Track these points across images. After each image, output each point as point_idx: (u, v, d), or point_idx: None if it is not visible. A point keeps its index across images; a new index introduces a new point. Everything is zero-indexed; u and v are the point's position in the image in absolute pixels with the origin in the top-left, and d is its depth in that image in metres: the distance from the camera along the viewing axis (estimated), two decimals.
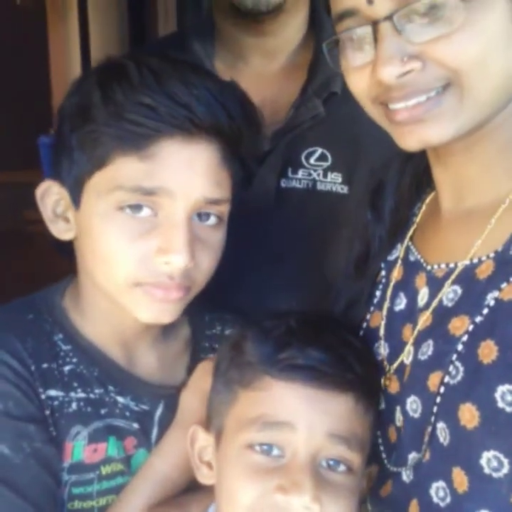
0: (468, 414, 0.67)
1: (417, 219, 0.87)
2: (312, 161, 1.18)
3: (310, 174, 1.18)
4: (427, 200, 0.88)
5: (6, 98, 5.86)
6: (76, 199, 0.86)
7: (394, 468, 0.79)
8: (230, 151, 0.85)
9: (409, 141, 0.71)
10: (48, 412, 0.84)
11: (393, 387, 0.80)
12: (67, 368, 0.88)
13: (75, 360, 0.89)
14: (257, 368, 0.78)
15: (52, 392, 0.86)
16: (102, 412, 0.88)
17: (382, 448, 0.82)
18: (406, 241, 0.86)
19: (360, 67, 0.72)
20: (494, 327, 0.68)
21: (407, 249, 0.85)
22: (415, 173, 0.88)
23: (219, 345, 0.93)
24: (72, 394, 0.87)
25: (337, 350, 0.78)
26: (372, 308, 0.88)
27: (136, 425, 0.90)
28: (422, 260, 0.81)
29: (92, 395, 0.88)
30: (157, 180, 0.80)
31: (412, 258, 0.84)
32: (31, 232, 5.19)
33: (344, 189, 1.18)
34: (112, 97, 0.80)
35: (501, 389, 0.65)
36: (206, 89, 0.81)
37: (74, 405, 0.87)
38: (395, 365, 0.80)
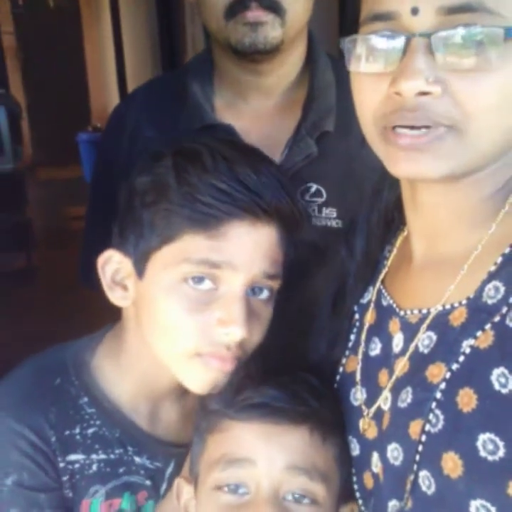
0: (452, 463, 0.67)
1: (388, 262, 0.87)
2: (307, 197, 1.21)
3: (306, 210, 1.20)
4: (397, 244, 0.87)
5: (46, 97, 6.01)
6: (140, 270, 0.89)
7: None
8: (287, 234, 0.91)
9: (404, 168, 0.69)
10: (66, 477, 0.91)
11: (371, 432, 0.80)
12: (90, 431, 0.93)
13: (98, 422, 0.94)
14: (219, 413, 0.84)
15: (73, 457, 0.92)
16: (120, 471, 0.95)
17: (358, 494, 0.83)
18: (377, 284, 0.86)
19: (376, 75, 0.69)
20: (472, 375, 0.68)
21: (379, 293, 0.85)
22: (384, 210, 0.88)
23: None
24: (93, 456, 0.93)
25: (290, 386, 0.82)
26: (347, 353, 0.88)
27: (148, 482, 0.96)
28: (394, 305, 0.81)
29: (112, 456, 0.94)
30: (224, 255, 0.85)
31: (384, 302, 0.84)
32: (75, 228, 5.32)
33: (339, 224, 1.21)
34: (186, 179, 0.85)
35: (482, 438, 0.65)
36: (273, 177, 0.87)
37: (94, 467, 0.93)
38: (373, 410, 0.80)
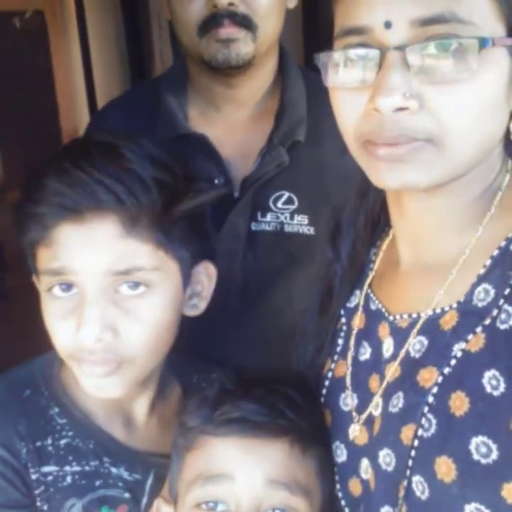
0: (445, 468, 0.67)
1: (375, 266, 0.86)
2: (279, 204, 1.25)
3: (278, 217, 1.24)
4: (384, 247, 0.87)
5: (15, 119, 5.97)
6: (32, 266, 0.92)
7: None
8: (138, 222, 0.85)
9: (386, 179, 0.69)
10: (41, 489, 0.89)
11: (361, 438, 0.79)
12: (63, 442, 0.92)
13: (70, 433, 0.92)
14: (197, 429, 0.81)
15: (47, 469, 0.90)
16: (97, 483, 0.92)
17: (343, 502, 0.81)
18: (365, 288, 0.85)
19: (354, 89, 0.68)
20: (463, 379, 0.68)
21: (367, 297, 0.84)
22: (371, 211, 0.87)
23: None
24: (67, 468, 0.91)
25: (268, 399, 0.80)
26: (336, 357, 0.87)
27: (127, 494, 0.93)
28: (383, 310, 0.81)
29: (87, 468, 0.92)
30: (60, 261, 0.85)
31: (373, 307, 0.83)
32: None
33: (310, 230, 1.25)
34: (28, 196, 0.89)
35: (475, 441, 0.65)
36: (90, 174, 0.84)
37: (68, 479, 0.90)
38: (364, 416, 0.79)
